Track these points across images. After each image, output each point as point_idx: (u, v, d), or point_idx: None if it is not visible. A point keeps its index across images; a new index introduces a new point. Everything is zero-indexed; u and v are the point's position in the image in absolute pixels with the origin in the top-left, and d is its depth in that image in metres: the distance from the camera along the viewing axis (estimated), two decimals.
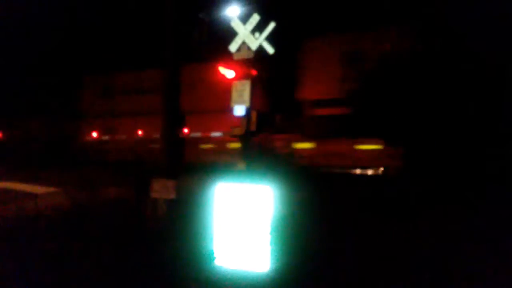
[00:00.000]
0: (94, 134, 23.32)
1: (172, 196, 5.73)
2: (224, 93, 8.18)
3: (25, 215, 7.00)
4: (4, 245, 5.65)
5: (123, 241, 5.41)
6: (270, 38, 7.21)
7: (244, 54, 7.33)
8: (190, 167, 8.12)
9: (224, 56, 7.55)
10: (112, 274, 4.69)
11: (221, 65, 7.32)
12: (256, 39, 7.24)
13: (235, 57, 7.37)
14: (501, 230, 5.75)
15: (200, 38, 7.53)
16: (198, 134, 19.10)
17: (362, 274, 4.62)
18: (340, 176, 12.14)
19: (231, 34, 7.43)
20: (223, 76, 7.36)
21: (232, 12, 7.78)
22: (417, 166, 12.52)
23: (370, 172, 14.26)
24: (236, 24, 7.32)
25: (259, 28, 7.26)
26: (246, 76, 7.21)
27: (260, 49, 7.23)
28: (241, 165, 7.06)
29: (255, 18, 7.23)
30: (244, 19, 7.41)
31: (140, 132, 21.39)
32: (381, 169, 13.93)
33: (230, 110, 7.33)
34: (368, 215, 6.53)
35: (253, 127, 7.12)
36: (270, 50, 7.18)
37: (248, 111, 7.09)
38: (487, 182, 9.16)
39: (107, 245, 5.32)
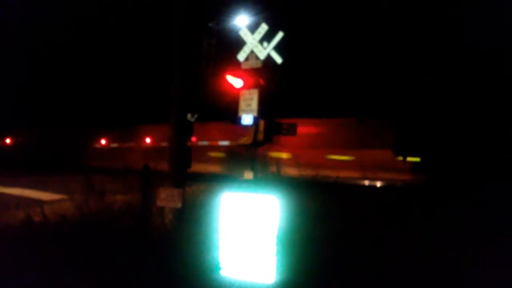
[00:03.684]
0: (103, 142, 23.50)
1: (178, 205, 5.70)
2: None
3: (32, 221, 7.00)
4: (9, 250, 5.64)
5: (129, 249, 5.38)
6: (278, 48, 7.22)
7: (252, 64, 7.33)
8: (197, 176, 8.10)
9: (232, 65, 7.55)
10: (117, 282, 4.66)
11: (229, 74, 7.32)
12: (265, 48, 7.24)
13: (243, 67, 7.37)
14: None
15: (209, 47, 7.56)
16: (205, 143, 19.16)
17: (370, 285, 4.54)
18: (350, 186, 12.05)
19: (240, 43, 7.44)
20: (230, 85, 7.36)
21: (240, 22, 7.80)
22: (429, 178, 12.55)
23: (379, 183, 14.18)
24: (244, 34, 7.34)
25: (268, 38, 7.27)
26: (254, 86, 7.20)
27: (268, 58, 7.23)
28: (248, 175, 7.01)
29: (264, 28, 7.24)
30: (253, 28, 7.43)
31: (148, 140, 21.52)
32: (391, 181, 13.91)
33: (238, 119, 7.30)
34: (376, 225, 6.44)
35: (261, 137, 7.08)
36: (278, 59, 7.17)
37: (256, 120, 7.07)
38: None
39: (112, 253, 5.29)
